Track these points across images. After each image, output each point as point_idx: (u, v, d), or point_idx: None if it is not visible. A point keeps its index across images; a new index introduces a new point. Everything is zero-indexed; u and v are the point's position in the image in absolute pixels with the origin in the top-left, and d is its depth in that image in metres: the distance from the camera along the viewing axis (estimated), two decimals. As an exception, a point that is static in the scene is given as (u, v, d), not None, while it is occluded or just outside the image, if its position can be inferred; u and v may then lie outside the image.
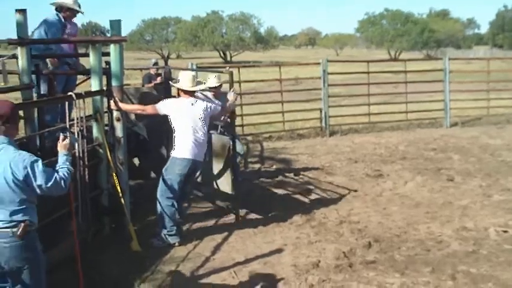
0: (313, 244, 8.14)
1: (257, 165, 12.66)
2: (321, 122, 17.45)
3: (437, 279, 6.86)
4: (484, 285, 6.67)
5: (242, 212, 9.55)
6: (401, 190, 11.03)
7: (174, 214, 8.05)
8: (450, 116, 18.95)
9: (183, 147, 7.97)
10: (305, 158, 13.85)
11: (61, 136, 5.30)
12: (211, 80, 10.37)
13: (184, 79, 8.29)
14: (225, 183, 9.21)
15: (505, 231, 8.55)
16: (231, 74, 9.57)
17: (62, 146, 5.21)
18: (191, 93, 8.28)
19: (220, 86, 10.55)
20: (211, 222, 9.17)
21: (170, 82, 9.46)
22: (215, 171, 9.34)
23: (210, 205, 9.91)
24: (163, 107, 8.14)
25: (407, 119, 18.77)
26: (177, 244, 8.02)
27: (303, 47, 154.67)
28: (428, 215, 9.47)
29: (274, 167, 13.03)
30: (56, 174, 4.86)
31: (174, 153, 8.04)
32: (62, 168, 5.00)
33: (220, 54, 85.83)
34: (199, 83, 8.59)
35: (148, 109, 8.27)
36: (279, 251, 7.93)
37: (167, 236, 8.06)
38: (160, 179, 8.07)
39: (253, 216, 9.51)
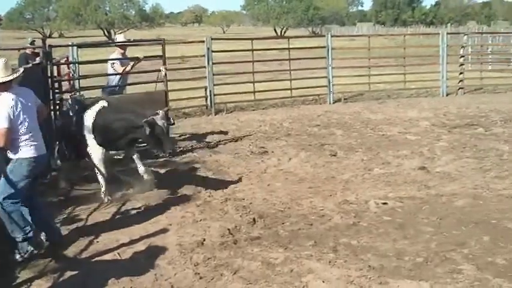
0: (198, 223, 8.15)
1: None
2: (206, 100, 17.38)
3: (319, 252, 7.00)
4: (363, 256, 6.86)
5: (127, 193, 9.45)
6: (286, 166, 11.18)
7: (23, 218, 6.99)
8: (333, 92, 19.31)
9: (28, 145, 6.91)
10: (190, 137, 13.76)
11: None
12: (120, 36, 11.44)
13: None
14: None
15: (385, 203, 8.84)
16: (164, 42, 10.85)
17: None
18: (7, 85, 6.82)
19: (129, 40, 11.61)
20: (94, 205, 8.97)
21: None
22: None
23: (93, 187, 9.69)
24: (6, 119, 6.66)
25: (291, 96, 18.95)
26: (35, 251, 7.04)
27: (189, 25, 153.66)
28: (312, 189, 9.66)
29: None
30: None
31: (18, 155, 6.88)
32: None
33: (104, 32, 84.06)
34: (15, 70, 7.00)
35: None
36: (164, 231, 7.88)
37: (23, 245, 7.00)
38: (3, 182, 6.90)
39: (137, 196, 9.38)
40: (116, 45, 12.33)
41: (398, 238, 7.46)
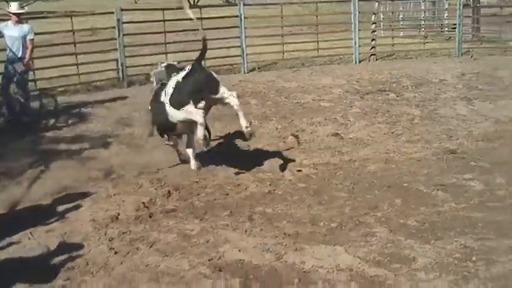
0: (111, 197, 8.04)
1: (52, 121, 12.14)
2: (118, 73, 16.98)
3: (235, 222, 7.03)
4: (279, 224, 6.92)
5: (37, 170, 9.18)
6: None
7: None
8: (247, 61, 19.23)
9: None
10: (102, 111, 13.42)
11: None
12: (14, 6, 11.59)
13: None
14: None
15: (299, 171, 8.93)
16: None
17: None
18: None
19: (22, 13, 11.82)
20: (5, 183, 8.69)
21: None
22: None
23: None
24: None
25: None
26: None
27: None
28: (227, 160, 9.62)
29: (70, 121, 12.49)
30: None
31: None
32: None
33: (9, 5, 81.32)
34: None
35: None
36: (77, 207, 7.73)
37: None
38: None
39: (49, 172, 9.14)
40: (10, 13, 11.99)
41: (313, 204, 7.55)
